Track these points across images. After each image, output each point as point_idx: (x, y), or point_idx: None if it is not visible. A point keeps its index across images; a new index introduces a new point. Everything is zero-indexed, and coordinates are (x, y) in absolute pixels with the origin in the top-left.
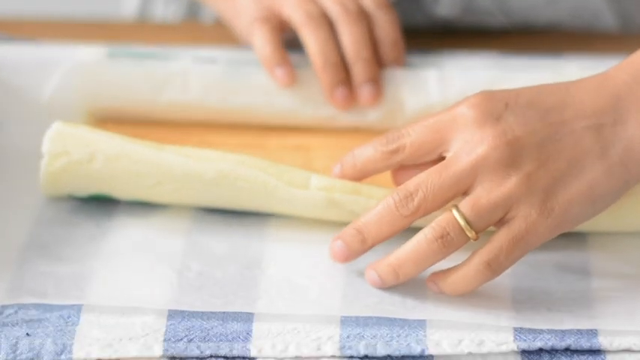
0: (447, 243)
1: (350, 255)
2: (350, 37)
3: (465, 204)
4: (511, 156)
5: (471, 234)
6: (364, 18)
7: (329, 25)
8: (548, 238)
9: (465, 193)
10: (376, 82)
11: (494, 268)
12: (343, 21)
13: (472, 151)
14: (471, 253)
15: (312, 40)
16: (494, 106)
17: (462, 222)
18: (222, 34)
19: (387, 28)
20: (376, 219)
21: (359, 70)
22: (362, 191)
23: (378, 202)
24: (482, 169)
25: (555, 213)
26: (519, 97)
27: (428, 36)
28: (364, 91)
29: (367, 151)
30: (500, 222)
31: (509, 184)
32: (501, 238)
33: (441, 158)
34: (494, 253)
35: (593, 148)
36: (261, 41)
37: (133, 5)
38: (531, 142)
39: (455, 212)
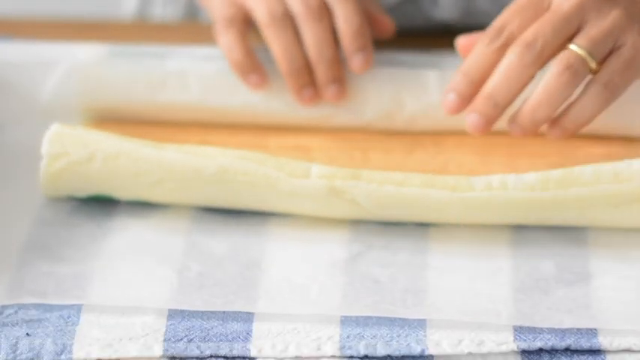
0: (574, 73)
1: (487, 123)
2: (311, 38)
3: (581, 38)
4: None
5: (592, 64)
6: (326, 13)
7: (292, 26)
8: None
9: (573, 36)
10: (340, 82)
11: (611, 88)
12: (304, 19)
13: None
14: (586, 84)
15: (275, 44)
16: None
17: (582, 52)
18: None
19: (347, 18)
20: (503, 79)
21: (322, 71)
22: (362, 176)
23: (499, 65)
24: (587, 8)
25: None
26: None
27: (427, 37)
28: (328, 92)
29: (478, 58)
30: (610, 53)
31: (613, 15)
32: (613, 62)
33: None
34: (608, 75)
35: None
36: (229, 46)
37: (132, 5)
38: None
39: (573, 46)
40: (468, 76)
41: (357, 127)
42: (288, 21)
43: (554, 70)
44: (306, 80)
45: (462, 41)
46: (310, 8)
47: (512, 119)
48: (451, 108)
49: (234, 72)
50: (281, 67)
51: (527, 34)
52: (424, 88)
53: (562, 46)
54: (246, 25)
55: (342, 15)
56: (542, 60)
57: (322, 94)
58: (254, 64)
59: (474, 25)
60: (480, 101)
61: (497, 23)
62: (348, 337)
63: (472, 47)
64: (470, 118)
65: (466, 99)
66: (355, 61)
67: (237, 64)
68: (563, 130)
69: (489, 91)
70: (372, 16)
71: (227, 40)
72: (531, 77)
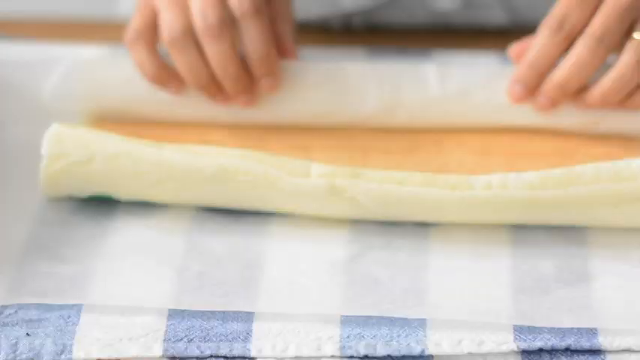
0: None
1: (555, 106)
2: (213, 56)
3: None
4: None
5: None
6: (227, 30)
7: (194, 41)
8: None
9: (632, 25)
10: (249, 92)
11: None
12: (205, 38)
13: None
14: (617, 60)
15: (179, 63)
16: None
17: None
18: None
19: (253, 42)
20: (574, 70)
21: (229, 86)
22: (362, 175)
23: (566, 58)
24: None
25: None
26: None
27: (428, 36)
28: (239, 101)
29: (543, 49)
30: None
31: None
32: None
33: None
34: None
35: None
36: (140, 62)
37: (132, 5)
38: None
39: (637, 35)
40: (534, 68)
41: (356, 123)
42: (189, 38)
43: (627, 60)
44: (215, 90)
45: (515, 49)
46: (209, 26)
47: (579, 98)
48: (518, 98)
49: (151, 84)
50: (187, 83)
51: (595, 29)
52: (423, 82)
53: (625, 34)
54: (155, 32)
55: (248, 37)
56: (609, 52)
57: (233, 102)
58: (168, 74)
59: (475, 18)
60: (550, 88)
61: (556, 14)
62: (348, 337)
63: (525, 53)
64: (540, 101)
65: (532, 89)
66: (262, 85)
67: (152, 78)
68: (628, 109)
69: (560, 81)
70: (279, 40)
71: (137, 56)
72: (598, 67)
